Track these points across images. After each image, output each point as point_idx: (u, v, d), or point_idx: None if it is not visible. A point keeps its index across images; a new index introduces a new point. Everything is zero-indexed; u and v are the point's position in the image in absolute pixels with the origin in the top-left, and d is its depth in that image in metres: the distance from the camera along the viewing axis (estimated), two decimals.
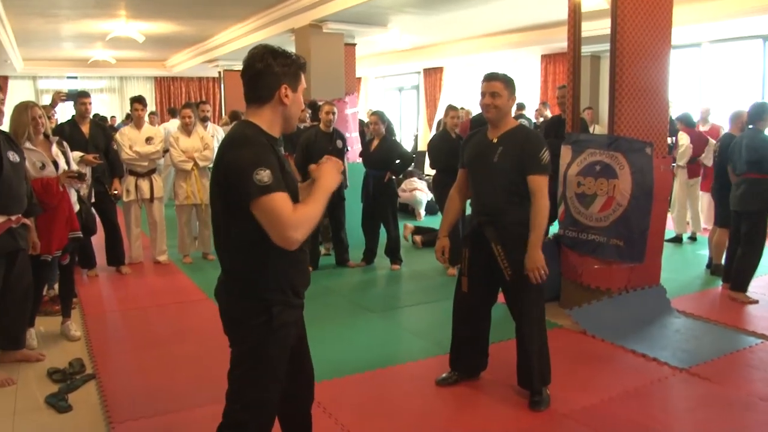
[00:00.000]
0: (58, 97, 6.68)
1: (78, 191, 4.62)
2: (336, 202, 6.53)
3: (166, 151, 7.00)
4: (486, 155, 3.47)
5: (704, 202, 8.39)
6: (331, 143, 6.37)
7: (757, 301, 5.36)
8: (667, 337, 4.53)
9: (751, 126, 5.51)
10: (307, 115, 7.33)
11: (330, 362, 4.10)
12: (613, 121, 4.88)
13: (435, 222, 8.83)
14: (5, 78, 16.34)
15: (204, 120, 7.58)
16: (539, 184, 3.35)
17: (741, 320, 4.95)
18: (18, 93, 15.95)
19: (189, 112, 6.77)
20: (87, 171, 5.81)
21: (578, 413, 3.38)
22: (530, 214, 3.36)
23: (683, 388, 3.76)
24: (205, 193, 6.71)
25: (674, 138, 7.88)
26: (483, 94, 3.45)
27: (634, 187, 4.69)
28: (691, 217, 8.22)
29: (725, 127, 8.55)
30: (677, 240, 8.00)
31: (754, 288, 5.58)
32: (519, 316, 3.54)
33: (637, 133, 4.82)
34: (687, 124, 8.00)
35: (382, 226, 6.71)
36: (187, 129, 6.71)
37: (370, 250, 6.80)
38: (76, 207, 4.48)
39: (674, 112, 8.03)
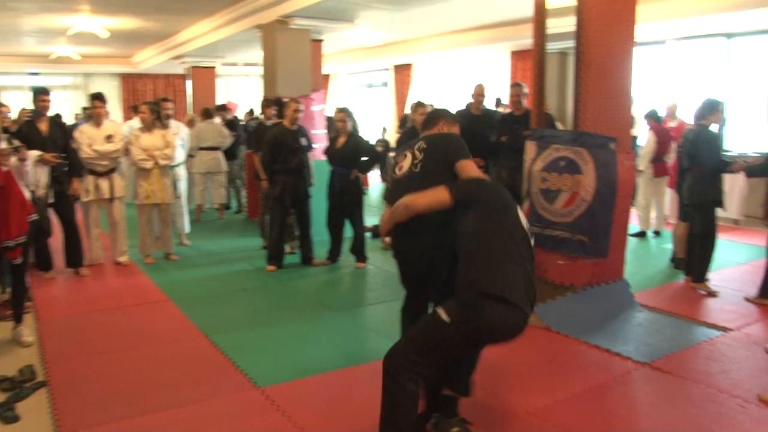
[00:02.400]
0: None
1: (34, 192, 4.49)
2: (301, 200, 6.45)
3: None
4: None
5: (669, 198, 8.48)
6: (295, 140, 6.28)
7: (717, 294, 5.42)
8: (630, 331, 4.53)
9: (699, 122, 5.58)
10: (273, 113, 7.23)
11: (292, 363, 4.03)
12: (577, 117, 4.86)
13: None
14: None
15: (166, 118, 7.42)
16: None
17: (702, 313, 4.98)
18: None
19: (145, 109, 6.61)
20: (45, 171, 5.68)
21: (542, 411, 3.35)
22: None
23: (646, 383, 3.75)
24: (166, 192, 6.58)
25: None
26: None
27: (598, 183, 4.68)
28: (656, 214, 8.29)
29: (690, 124, 8.66)
30: (641, 235, 8.06)
31: (715, 281, 5.63)
32: None
33: (601, 129, 4.81)
34: (654, 119, 8.04)
35: (347, 224, 6.64)
36: (147, 126, 6.55)
37: (336, 248, 6.72)
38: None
39: (638, 109, 8.07)
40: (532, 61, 5.30)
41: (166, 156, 6.54)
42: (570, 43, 4.99)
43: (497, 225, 2.73)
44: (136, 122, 9.15)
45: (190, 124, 9.66)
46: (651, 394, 3.65)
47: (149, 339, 4.50)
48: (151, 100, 11.48)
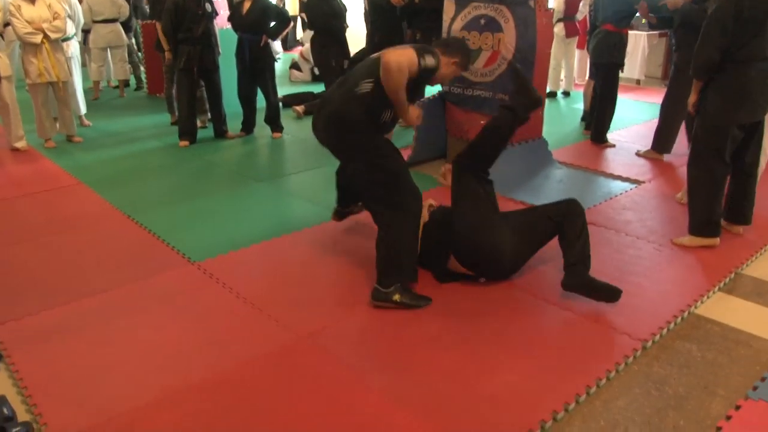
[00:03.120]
0: None
1: None
2: (210, 71, 6.12)
3: (6, 24, 6.13)
4: None
5: (578, 58, 8.67)
6: (199, 7, 5.85)
7: (614, 145, 5.69)
8: (551, 187, 4.72)
9: None
10: None
11: (223, 236, 3.97)
12: None
13: (315, 87, 8.55)
14: None
15: None
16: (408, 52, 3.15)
17: (615, 168, 5.23)
18: None
19: None
20: None
21: None
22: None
23: None
24: (61, 69, 6.03)
25: None
26: None
27: (518, 41, 4.66)
28: (565, 74, 8.45)
29: None
30: (552, 95, 8.24)
31: (623, 138, 5.89)
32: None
33: None
34: None
35: (259, 93, 6.40)
36: None
37: (249, 119, 6.51)
38: None
39: None
40: None
41: (56, 28, 5.89)
42: None
43: None
44: None
45: None
46: None
47: (69, 224, 4.26)
48: None
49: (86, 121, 7.04)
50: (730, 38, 3.47)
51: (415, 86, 3.11)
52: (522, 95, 3.37)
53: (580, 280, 3.08)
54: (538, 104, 3.40)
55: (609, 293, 3.03)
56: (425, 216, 3.32)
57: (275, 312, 3.04)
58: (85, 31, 8.46)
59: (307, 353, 2.73)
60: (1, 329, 2.93)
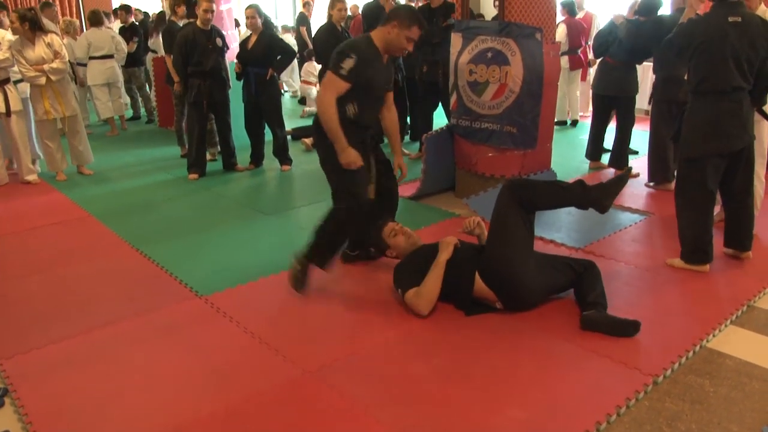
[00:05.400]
0: None
1: None
2: (220, 104, 6.18)
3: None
4: (385, 79, 3.72)
5: (581, 90, 8.75)
6: (210, 41, 5.94)
7: (638, 174, 5.70)
8: (560, 219, 4.70)
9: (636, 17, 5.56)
10: (184, 11, 6.76)
11: (230, 269, 3.97)
12: (503, 7, 4.80)
13: None
14: None
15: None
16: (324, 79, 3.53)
17: (624, 200, 5.20)
18: None
19: (15, 18, 5.77)
20: None
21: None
22: (388, 125, 3.89)
23: None
24: (67, 104, 6.09)
25: None
26: (411, 40, 3.53)
27: (525, 73, 4.69)
28: (569, 105, 8.51)
29: (600, 16, 8.79)
30: (561, 124, 8.30)
31: (635, 169, 5.86)
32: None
33: (526, 19, 4.77)
34: (569, 11, 8.08)
35: (267, 126, 6.45)
36: (26, 38, 5.77)
37: (257, 152, 6.55)
38: None
39: None
40: None
41: (55, 71, 5.88)
42: None
43: None
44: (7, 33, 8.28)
45: (70, 32, 8.73)
46: None
47: (78, 256, 4.29)
48: (35, 3, 10.44)
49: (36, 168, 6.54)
50: (690, 71, 3.63)
51: (374, 74, 3.51)
52: (605, 194, 3.36)
53: (599, 318, 3.08)
54: (601, 209, 3.40)
55: (628, 327, 3.03)
56: (448, 253, 3.31)
57: (282, 346, 3.02)
58: (79, 65, 8.51)
59: (314, 387, 2.70)
60: (8, 363, 2.93)
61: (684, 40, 3.64)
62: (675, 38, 3.72)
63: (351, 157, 3.44)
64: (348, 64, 3.38)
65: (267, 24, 6.23)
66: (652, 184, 5.56)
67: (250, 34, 6.17)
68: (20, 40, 5.80)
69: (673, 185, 5.39)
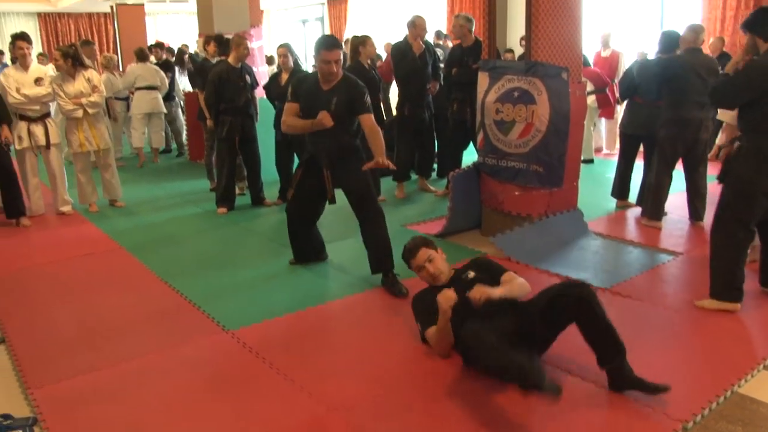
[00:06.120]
0: None
1: None
2: (250, 140, 6.29)
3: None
4: (322, 103, 4.09)
5: (608, 129, 8.79)
6: (241, 78, 6.08)
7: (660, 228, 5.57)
8: (587, 258, 4.67)
9: (661, 55, 5.57)
10: (215, 49, 6.94)
11: (258, 304, 4.00)
12: (529, 47, 4.85)
13: None
14: None
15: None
16: (371, 121, 4.09)
17: (652, 239, 5.15)
18: None
19: (58, 55, 6.09)
20: None
21: None
22: (369, 142, 4.07)
23: (609, 307, 3.82)
24: (101, 138, 6.28)
25: None
26: (328, 62, 4.02)
27: (551, 113, 4.72)
28: (595, 140, 8.60)
29: (625, 54, 8.84)
30: (588, 162, 8.34)
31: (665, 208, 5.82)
32: (363, 215, 4.29)
33: (552, 59, 4.82)
34: (583, 63, 8.13)
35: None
36: (67, 73, 6.06)
37: (286, 187, 6.62)
38: None
39: None
40: None
41: (93, 104, 6.12)
42: None
43: None
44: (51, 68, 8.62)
45: (109, 67, 9.17)
46: (615, 317, 3.68)
47: (107, 287, 4.36)
48: (74, 42, 10.86)
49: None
50: (751, 110, 3.58)
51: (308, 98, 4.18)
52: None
53: (627, 379, 2.88)
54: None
55: (658, 389, 2.84)
56: (447, 313, 3.03)
57: (308, 383, 3.03)
58: (120, 99, 8.98)
59: (338, 426, 2.70)
60: (38, 393, 2.97)
61: (758, 82, 3.55)
62: (741, 81, 3.64)
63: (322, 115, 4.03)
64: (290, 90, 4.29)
65: (296, 62, 6.36)
66: (644, 220, 5.53)
67: (281, 71, 6.30)
68: (61, 75, 6.09)
69: (661, 224, 5.37)
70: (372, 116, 4.16)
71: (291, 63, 6.21)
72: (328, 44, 4.05)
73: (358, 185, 4.23)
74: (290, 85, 4.34)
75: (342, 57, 4.15)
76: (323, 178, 4.28)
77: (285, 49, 6.23)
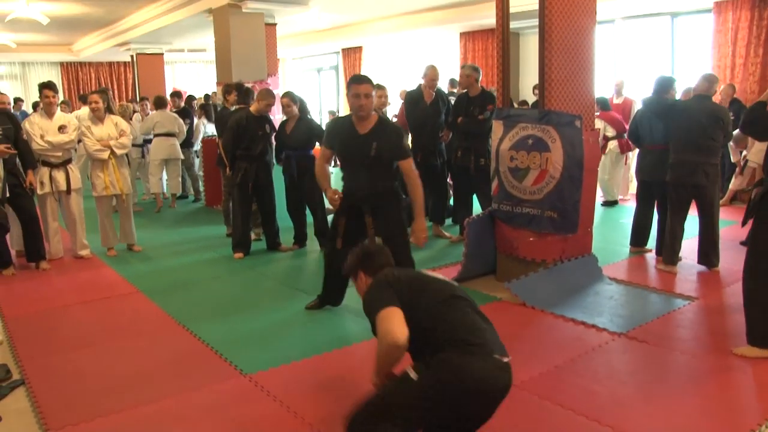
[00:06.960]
0: None
1: None
2: (265, 186, 6.38)
3: (79, 141, 6.61)
4: (361, 148, 4.17)
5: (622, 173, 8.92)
6: (260, 127, 6.21)
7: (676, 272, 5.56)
8: (602, 304, 4.67)
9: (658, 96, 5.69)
10: (235, 98, 7.10)
11: (276, 349, 4.02)
12: (543, 96, 4.95)
13: None
14: None
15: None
16: (410, 166, 4.18)
17: (668, 284, 5.15)
18: None
19: (97, 98, 6.37)
20: None
21: (528, 383, 3.42)
22: (408, 190, 4.18)
23: (623, 352, 3.88)
24: (125, 182, 6.42)
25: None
26: (358, 96, 4.08)
27: (565, 160, 4.78)
28: (616, 183, 8.71)
29: (638, 101, 8.96)
30: (611, 204, 8.50)
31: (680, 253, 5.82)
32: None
33: (566, 107, 4.91)
34: (603, 107, 8.28)
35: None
36: (98, 116, 6.31)
37: (300, 232, 6.69)
38: None
39: None
40: (495, 40, 5.33)
41: (122, 145, 6.37)
42: (522, 23, 5.04)
43: (423, 305, 2.52)
44: (82, 112, 8.89)
45: (125, 116, 9.35)
46: (630, 362, 3.78)
47: (125, 332, 4.41)
48: (95, 89, 11.24)
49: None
50: None
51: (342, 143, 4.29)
52: None
53: None
54: None
55: None
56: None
57: (326, 427, 3.03)
58: (139, 146, 9.25)
59: None
60: None
61: None
62: None
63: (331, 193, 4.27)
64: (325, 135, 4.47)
65: (303, 109, 6.47)
66: (660, 264, 5.57)
67: (287, 119, 6.40)
68: (92, 117, 6.33)
69: (676, 269, 5.36)
70: (411, 161, 4.25)
71: (296, 110, 6.31)
72: (358, 78, 4.19)
73: (395, 234, 4.28)
74: (326, 128, 4.64)
75: (373, 92, 4.24)
76: (363, 224, 4.32)
77: (288, 99, 6.30)
